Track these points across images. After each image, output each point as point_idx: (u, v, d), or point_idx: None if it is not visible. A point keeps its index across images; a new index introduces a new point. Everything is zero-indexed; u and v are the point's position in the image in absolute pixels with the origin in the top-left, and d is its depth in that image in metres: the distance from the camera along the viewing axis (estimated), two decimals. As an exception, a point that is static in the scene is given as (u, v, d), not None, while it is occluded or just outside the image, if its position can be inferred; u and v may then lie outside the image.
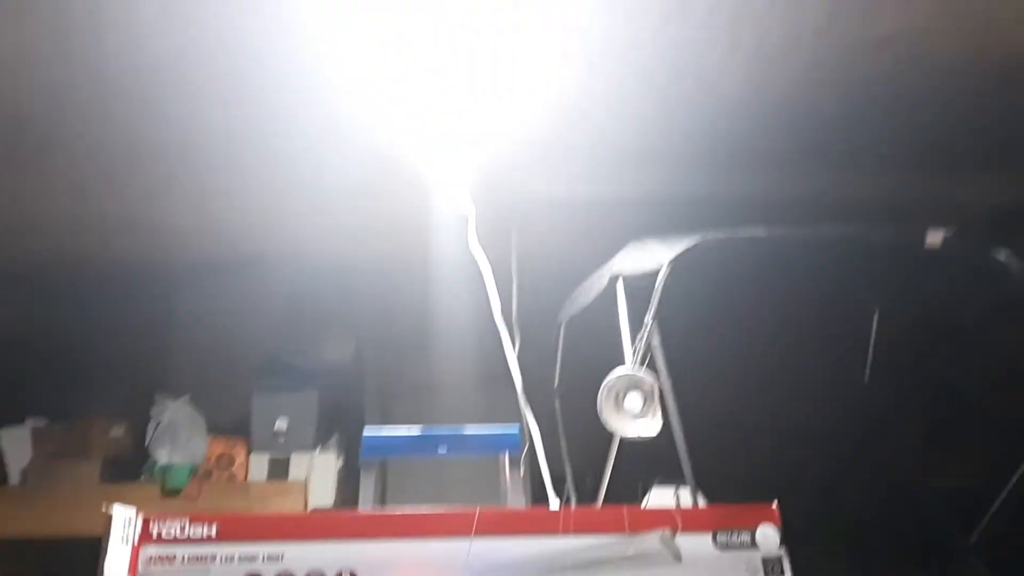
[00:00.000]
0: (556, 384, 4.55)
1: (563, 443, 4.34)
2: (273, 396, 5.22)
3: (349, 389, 6.16)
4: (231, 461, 5.13)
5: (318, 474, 5.03)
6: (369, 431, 2.20)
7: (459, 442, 2.27)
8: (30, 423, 5.26)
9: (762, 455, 4.33)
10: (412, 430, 2.21)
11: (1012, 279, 3.32)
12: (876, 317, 4.20)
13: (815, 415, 4.47)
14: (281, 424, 5.11)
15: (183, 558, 1.79)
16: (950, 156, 3.66)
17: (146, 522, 1.82)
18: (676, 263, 3.03)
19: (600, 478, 3.61)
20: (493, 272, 3.57)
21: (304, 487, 4.96)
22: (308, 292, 5.64)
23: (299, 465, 5.07)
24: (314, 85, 3.18)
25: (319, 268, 5.30)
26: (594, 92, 3.34)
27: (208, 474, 5.07)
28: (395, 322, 6.19)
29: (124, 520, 1.80)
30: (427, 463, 4.48)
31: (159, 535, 1.81)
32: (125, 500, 4.84)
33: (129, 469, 5.12)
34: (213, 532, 1.83)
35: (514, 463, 2.23)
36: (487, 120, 3.49)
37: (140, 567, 1.77)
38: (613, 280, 3.48)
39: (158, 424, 5.16)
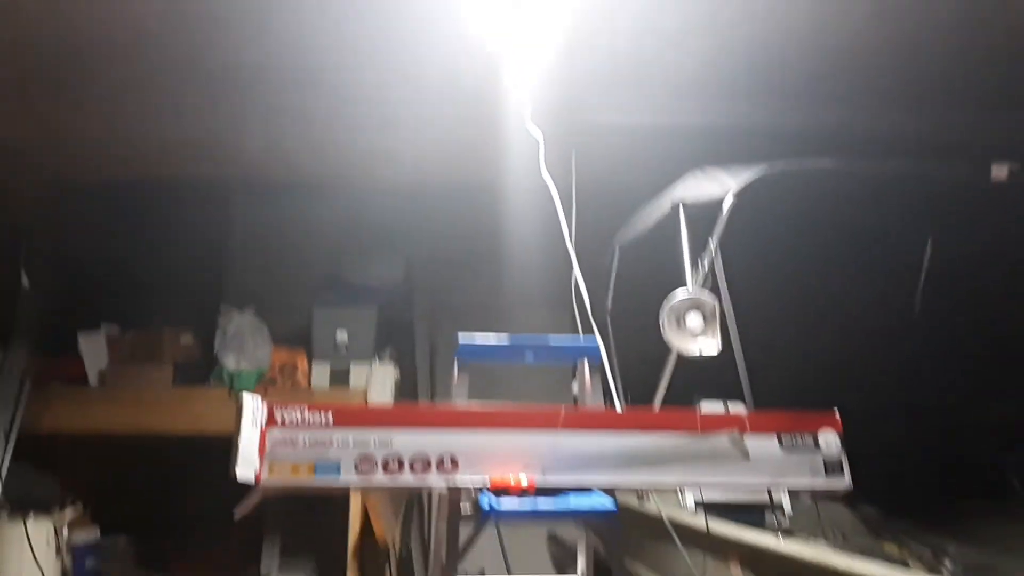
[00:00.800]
0: (608, 305, 4.72)
1: (614, 361, 4.54)
2: (333, 310, 5.47)
3: (403, 306, 6.40)
4: (294, 369, 5.42)
5: (377, 383, 5.30)
6: (463, 337, 2.39)
7: (545, 350, 2.46)
8: (105, 329, 5.55)
9: (813, 378, 4.51)
10: (503, 339, 2.40)
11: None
12: (929, 248, 4.29)
13: (867, 343, 4.63)
14: (342, 336, 5.36)
15: (304, 441, 2.01)
16: (1019, 93, 3.67)
17: (271, 409, 2.03)
18: (742, 191, 3.15)
19: (649, 397, 3.81)
20: (560, 203, 3.67)
21: (364, 395, 5.24)
22: (367, 213, 5.83)
23: (359, 374, 5.35)
24: (388, 10, 3.27)
25: (381, 191, 5.47)
26: (658, 23, 3.40)
27: (272, 381, 5.37)
28: (447, 243, 6.38)
29: (253, 407, 2.01)
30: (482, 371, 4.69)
31: (283, 421, 2.03)
32: (196, 403, 5.20)
33: (198, 374, 5.42)
34: (329, 419, 2.04)
35: (594, 370, 2.42)
36: (554, 48, 3.57)
37: (268, 447, 1.99)
38: (675, 207, 3.60)
39: (225, 333, 5.43)
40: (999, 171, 2.83)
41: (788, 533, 3.46)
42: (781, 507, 3.49)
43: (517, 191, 4.32)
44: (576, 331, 4.29)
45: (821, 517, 4.42)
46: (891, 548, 4.24)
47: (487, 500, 1.97)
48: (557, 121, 3.88)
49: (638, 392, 4.02)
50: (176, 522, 6.56)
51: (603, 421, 2.12)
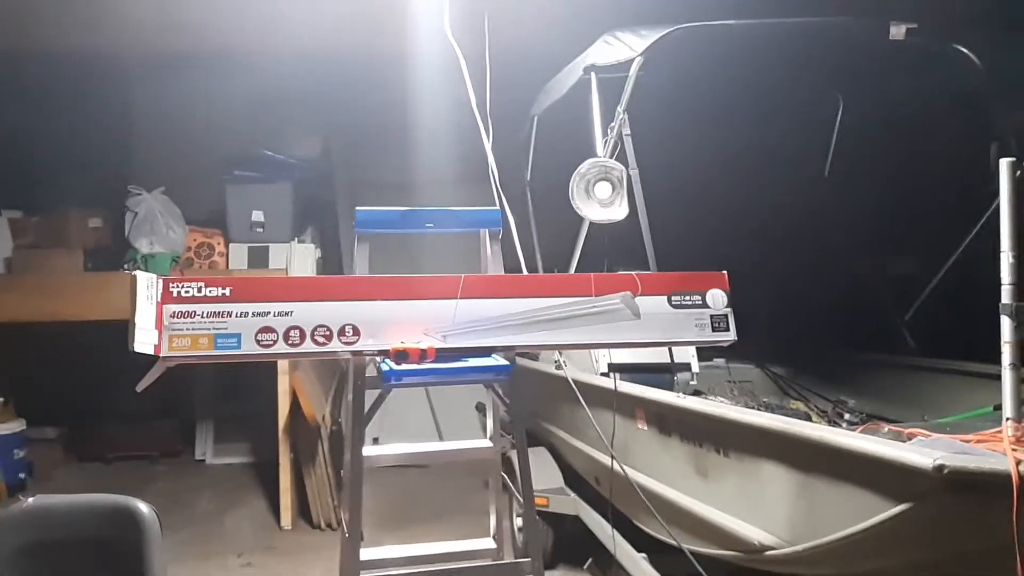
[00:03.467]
0: (528, 177, 4.78)
1: (534, 232, 4.65)
2: (247, 188, 5.40)
3: (322, 184, 6.35)
4: (211, 250, 5.39)
5: (297, 263, 5.31)
6: (361, 209, 2.43)
7: (444, 218, 2.52)
8: (6, 215, 5.40)
9: (722, 243, 4.70)
10: (402, 208, 2.45)
11: (971, 72, 3.52)
12: (840, 110, 4.41)
13: (776, 206, 4.81)
14: (258, 215, 5.32)
15: (203, 314, 2.07)
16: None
17: (166, 284, 2.06)
18: (648, 53, 3.18)
19: (566, 269, 3.94)
20: (466, 66, 3.62)
21: (285, 274, 5.26)
22: (279, 86, 5.67)
23: (278, 254, 5.35)
24: None
25: (290, 62, 5.30)
26: None
27: (189, 262, 5.34)
28: (365, 117, 6.27)
29: (147, 282, 2.04)
30: (397, 245, 4.79)
31: (179, 295, 2.07)
32: (110, 287, 5.16)
33: (111, 259, 5.36)
34: (227, 292, 2.09)
35: (494, 237, 2.49)
36: None
37: (165, 321, 2.04)
38: (587, 72, 3.62)
39: (135, 215, 5.35)
40: (897, 31, 2.91)
41: (696, 392, 3.70)
42: (689, 368, 3.70)
43: (432, 59, 4.24)
44: (499, 205, 4.37)
45: (732, 377, 4.74)
46: (797, 404, 4.58)
47: (388, 366, 2.07)
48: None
49: (559, 261, 4.15)
50: (104, 411, 6.63)
51: (502, 287, 2.22)
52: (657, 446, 3.14)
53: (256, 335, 2.07)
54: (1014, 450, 1.99)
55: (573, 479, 4.38)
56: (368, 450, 2.31)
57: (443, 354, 2.12)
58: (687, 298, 2.25)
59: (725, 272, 2.31)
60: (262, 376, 5.99)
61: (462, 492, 5.55)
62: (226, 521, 5.46)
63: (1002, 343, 2.63)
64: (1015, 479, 1.74)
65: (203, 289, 2.08)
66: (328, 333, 2.09)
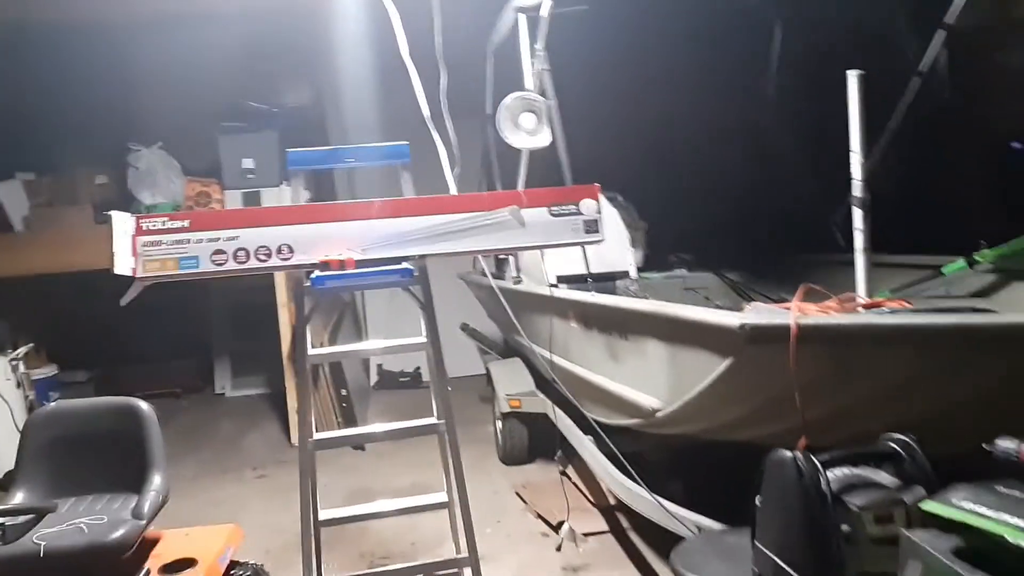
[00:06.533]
0: (488, 111, 5.27)
1: (494, 160, 5.18)
2: (236, 138, 5.97)
3: (316, 128, 6.89)
4: (208, 198, 6.01)
5: (287, 204, 5.90)
6: (292, 150, 2.98)
7: (362, 153, 3.07)
8: (20, 177, 6.06)
9: (679, 164, 5.21)
10: (326, 148, 3.00)
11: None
12: (778, 33, 4.82)
13: (730, 128, 5.27)
14: (247, 163, 5.91)
15: (168, 242, 2.65)
16: None
17: (138, 219, 2.66)
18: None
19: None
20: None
21: (275, 216, 5.86)
22: (267, 41, 6.14)
23: (269, 198, 5.94)
24: None
25: (273, 16, 5.76)
26: None
27: (189, 211, 5.97)
28: (348, 63, 6.74)
29: (123, 220, 2.64)
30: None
31: (148, 229, 2.66)
32: (120, 238, 5.76)
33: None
34: (186, 224, 2.67)
35: (405, 168, 3.03)
36: None
37: (139, 249, 2.63)
38: (517, 12, 4.09)
39: (137, 170, 5.97)
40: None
41: (636, 295, 4.25)
42: (627, 275, 4.24)
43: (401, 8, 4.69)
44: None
45: (689, 285, 5.29)
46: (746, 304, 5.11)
47: (315, 276, 2.67)
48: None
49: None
50: (130, 353, 7.38)
51: (411, 208, 2.77)
52: (584, 339, 3.72)
53: (211, 256, 2.66)
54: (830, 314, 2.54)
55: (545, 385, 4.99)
56: (312, 350, 2.94)
57: (363, 264, 2.69)
58: (564, 208, 2.79)
59: (597, 185, 2.83)
60: (271, 312, 6.68)
61: (459, 406, 6.22)
62: (243, 443, 6.21)
63: (854, 231, 3.16)
64: (793, 330, 2.28)
65: (167, 223, 2.67)
66: (268, 252, 2.68)
